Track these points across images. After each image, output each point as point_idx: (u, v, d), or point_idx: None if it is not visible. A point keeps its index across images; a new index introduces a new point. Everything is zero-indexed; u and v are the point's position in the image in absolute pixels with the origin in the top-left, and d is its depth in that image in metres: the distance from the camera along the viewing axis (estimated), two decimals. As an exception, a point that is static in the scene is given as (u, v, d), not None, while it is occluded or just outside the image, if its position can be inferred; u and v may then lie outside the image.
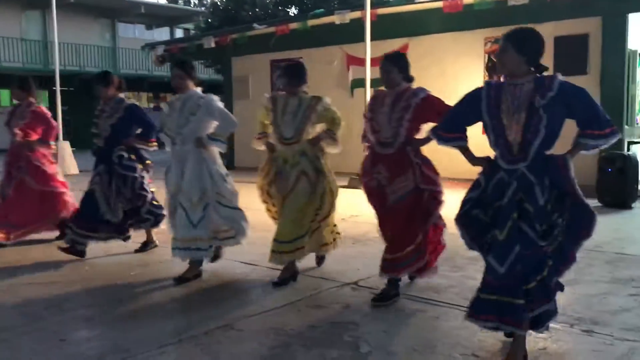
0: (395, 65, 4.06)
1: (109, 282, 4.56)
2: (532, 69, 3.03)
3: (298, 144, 4.51)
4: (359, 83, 11.15)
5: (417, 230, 3.96)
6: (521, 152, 2.96)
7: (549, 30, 9.64)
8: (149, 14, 28.33)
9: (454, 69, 10.67)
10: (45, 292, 4.35)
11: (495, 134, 3.05)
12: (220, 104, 4.71)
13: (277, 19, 16.60)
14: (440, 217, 4.09)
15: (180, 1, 40.84)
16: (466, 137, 3.29)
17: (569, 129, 3.08)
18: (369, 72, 10.16)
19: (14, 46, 23.59)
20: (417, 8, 10.50)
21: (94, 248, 5.42)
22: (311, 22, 12.09)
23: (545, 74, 3.04)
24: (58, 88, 13.90)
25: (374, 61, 10.50)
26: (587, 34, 9.41)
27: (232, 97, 14.66)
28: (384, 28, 10.70)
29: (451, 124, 3.33)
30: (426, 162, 4.01)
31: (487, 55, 10.40)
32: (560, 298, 4.01)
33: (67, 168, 12.60)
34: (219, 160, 4.77)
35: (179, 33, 31.53)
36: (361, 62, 10.70)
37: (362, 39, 10.34)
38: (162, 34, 30.07)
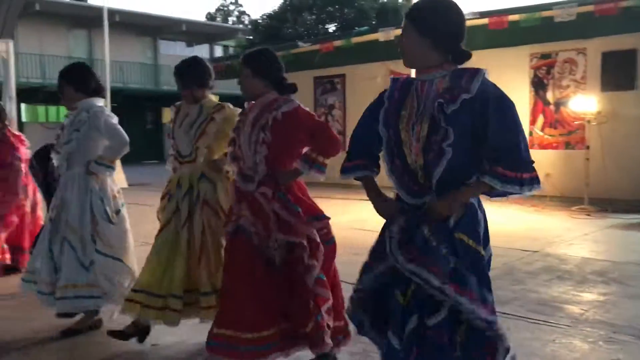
0: (249, 67, 3.01)
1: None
2: (451, 58, 2.15)
3: (194, 165, 3.47)
4: (403, 99, 11.33)
5: (307, 295, 2.87)
6: (428, 181, 2.09)
7: (596, 46, 9.72)
8: (189, 31, 28.99)
9: (499, 84, 10.60)
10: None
11: (389, 153, 2.19)
12: (112, 119, 3.81)
13: (320, 36, 16.89)
14: (319, 284, 2.88)
15: (218, 19, 41.77)
16: (374, 164, 2.35)
17: None
18: (415, 88, 10.35)
19: (61, 64, 24.34)
20: (462, 25, 10.63)
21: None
22: (355, 40, 12.31)
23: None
24: (109, 104, 14.38)
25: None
26: (635, 50, 9.39)
27: (274, 113, 14.97)
28: (428, 44, 10.85)
29: (352, 147, 2.40)
30: (287, 203, 2.91)
31: (532, 71, 10.45)
32: (627, 311, 4.11)
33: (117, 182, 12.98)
34: (110, 192, 3.83)
35: (217, 50, 32.17)
36: (405, 78, 10.88)
37: (406, 55, 10.50)
38: (201, 50, 30.71)
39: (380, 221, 2.31)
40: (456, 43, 2.14)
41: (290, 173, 2.98)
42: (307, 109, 3.05)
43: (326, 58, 12.94)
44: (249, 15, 44.19)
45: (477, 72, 2.07)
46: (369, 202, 2.34)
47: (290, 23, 22.19)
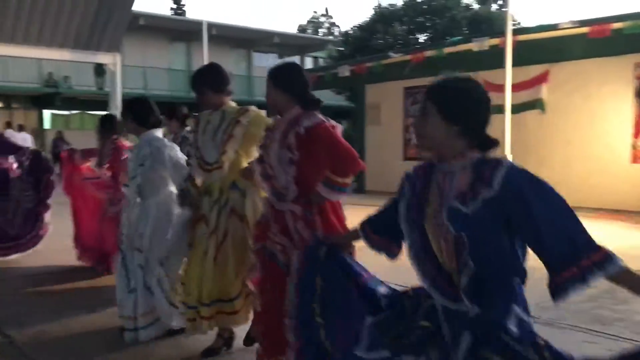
0: (271, 79, 2.90)
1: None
2: (477, 145, 1.84)
3: (222, 171, 3.39)
4: (497, 109, 11.08)
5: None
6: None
7: None
8: (282, 43, 29.71)
9: (599, 96, 10.30)
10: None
11: (417, 257, 1.92)
12: (174, 151, 3.86)
13: (411, 47, 16.85)
14: None
15: (309, 30, 42.55)
16: (395, 244, 2.19)
17: None
18: (509, 99, 10.10)
19: (161, 75, 25.74)
20: (560, 34, 10.26)
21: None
22: (447, 50, 12.18)
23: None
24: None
25: (513, 87, 10.44)
26: None
27: (364, 124, 15.07)
28: (523, 54, 10.55)
29: (374, 217, 2.27)
30: (312, 224, 2.79)
31: (637, 81, 9.95)
32: None
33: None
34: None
35: (307, 61, 32.76)
36: (499, 88, 10.58)
37: (499, 65, 10.24)
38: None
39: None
40: (484, 129, 1.85)
41: (320, 195, 2.82)
42: (332, 122, 2.88)
43: (417, 68, 12.88)
44: (339, 27, 44.88)
45: (498, 163, 1.75)
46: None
47: (381, 34, 22.23)
